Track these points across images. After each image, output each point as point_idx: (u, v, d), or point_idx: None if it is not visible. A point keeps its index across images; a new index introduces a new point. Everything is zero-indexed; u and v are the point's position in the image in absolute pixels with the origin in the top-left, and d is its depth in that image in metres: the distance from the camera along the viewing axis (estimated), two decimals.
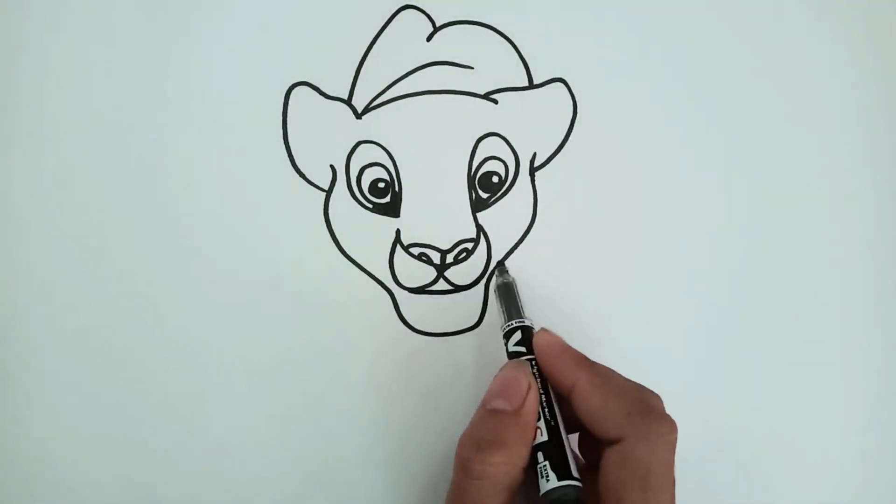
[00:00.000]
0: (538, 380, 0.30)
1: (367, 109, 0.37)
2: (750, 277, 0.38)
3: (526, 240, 0.37)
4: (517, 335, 0.32)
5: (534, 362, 0.31)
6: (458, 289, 0.36)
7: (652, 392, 0.30)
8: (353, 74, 0.37)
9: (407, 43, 0.37)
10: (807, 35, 0.39)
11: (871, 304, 0.38)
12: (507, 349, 0.33)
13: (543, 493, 0.28)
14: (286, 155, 0.36)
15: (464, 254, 0.37)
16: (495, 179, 0.37)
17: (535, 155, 0.37)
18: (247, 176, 0.36)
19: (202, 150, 0.36)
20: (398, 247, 0.36)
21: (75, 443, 0.35)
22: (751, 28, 0.39)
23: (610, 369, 0.30)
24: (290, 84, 0.37)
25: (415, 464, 0.35)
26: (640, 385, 0.30)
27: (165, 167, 0.36)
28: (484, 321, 0.36)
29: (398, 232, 0.36)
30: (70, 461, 0.35)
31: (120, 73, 0.36)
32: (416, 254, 0.36)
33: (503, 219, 0.37)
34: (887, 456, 0.38)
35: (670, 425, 0.28)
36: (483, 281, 0.37)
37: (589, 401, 0.29)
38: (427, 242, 0.36)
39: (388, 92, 0.37)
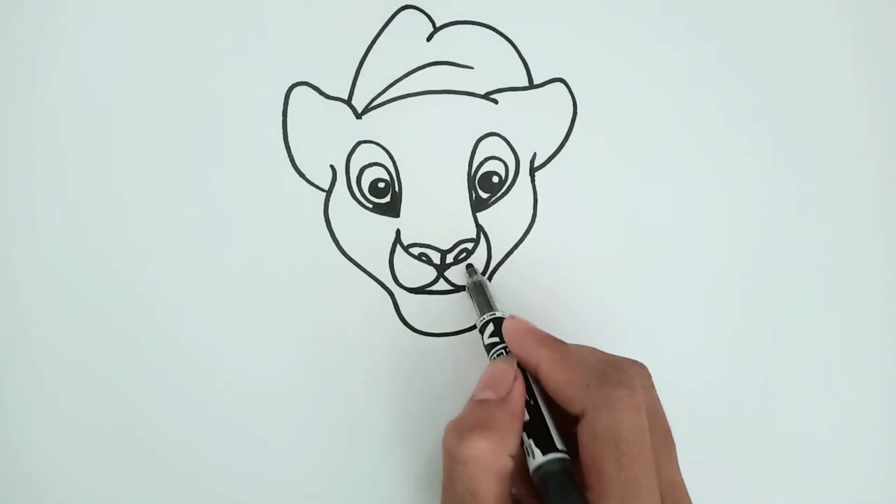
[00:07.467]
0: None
1: (367, 109, 0.37)
2: (751, 276, 0.38)
3: (526, 240, 0.37)
4: (490, 327, 0.33)
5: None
6: (458, 289, 0.36)
7: (620, 360, 0.29)
8: (353, 74, 0.37)
9: (407, 43, 0.37)
10: (808, 35, 0.39)
11: (876, 302, 0.38)
12: (483, 343, 0.33)
13: (532, 472, 0.27)
14: (286, 155, 0.36)
15: (464, 254, 0.37)
16: (495, 179, 0.37)
17: (535, 155, 0.37)
18: (247, 176, 0.36)
19: (202, 150, 0.36)
20: (398, 247, 0.36)
21: (77, 443, 0.35)
22: (750, 28, 0.39)
23: (575, 345, 0.30)
24: (290, 84, 0.37)
25: (414, 464, 0.35)
26: (605, 355, 0.30)
27: (165, 167, 0.36)
28: None
29: (398, 232, 0.36)
30: (71, 462, 0.35)
31: (119, 72, 0.36)
32: (416, 254, 0.36)
33: (503, 219, 0.37)
34: (888, 455, 0.38)
35: (630, 387, 0.27)
36: None
37: (550, 377, 0.29)
38: (427, 242, 0.36)
39: (388, 92, 0.37)
